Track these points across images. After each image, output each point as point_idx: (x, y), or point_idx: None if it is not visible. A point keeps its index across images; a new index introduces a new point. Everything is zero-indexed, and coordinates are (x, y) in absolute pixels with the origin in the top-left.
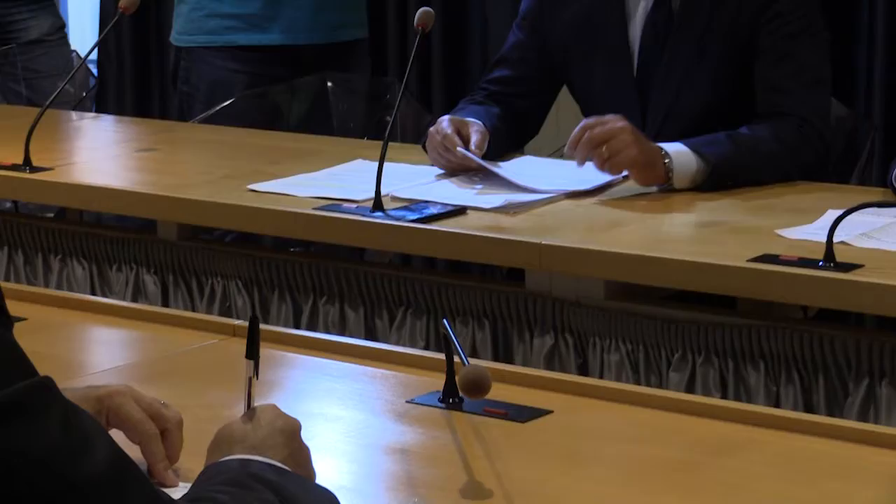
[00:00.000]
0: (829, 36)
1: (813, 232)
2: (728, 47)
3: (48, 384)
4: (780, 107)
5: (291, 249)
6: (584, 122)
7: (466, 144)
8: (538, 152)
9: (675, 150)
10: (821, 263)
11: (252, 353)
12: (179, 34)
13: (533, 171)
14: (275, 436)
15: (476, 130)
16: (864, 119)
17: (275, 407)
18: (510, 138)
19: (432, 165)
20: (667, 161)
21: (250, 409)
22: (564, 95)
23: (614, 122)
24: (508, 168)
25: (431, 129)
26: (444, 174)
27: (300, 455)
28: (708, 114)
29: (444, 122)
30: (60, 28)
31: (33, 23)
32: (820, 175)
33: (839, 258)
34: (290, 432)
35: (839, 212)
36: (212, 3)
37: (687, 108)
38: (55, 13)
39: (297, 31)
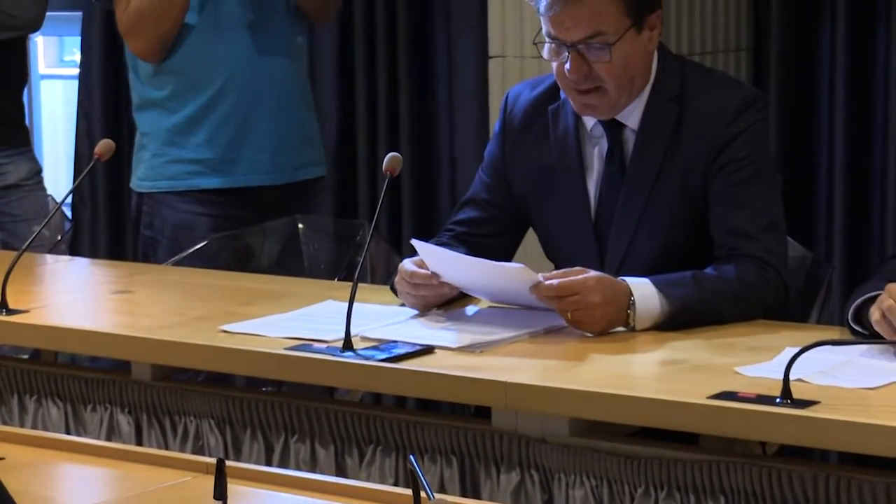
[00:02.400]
0: (781, 179)
1: (771, 369)
2: (681, 193)
3: None
4: (740, 250)
5: (263, 389)
6: (564, 283)
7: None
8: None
9: (642, 294)
10: (778, 400)
11: (220, 494)
12: (141, 180)
13: (494, 315)
14: None
15: None
16: (823, 260)
17: None
18: None
19: (401, 306)
20: (630, 312)
21: None
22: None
23: (588, 294)
24: (470, 314)
25: (396, 277)
26: (414, 315)
27: None
28: (664, 256)
29: (405, 263)
30: (37, 173)
31: (11, 168)
32: (779, 314)
33: (796, 395)
34: None
35: (797, 349)
36: (173, 149)
37: (643, 252)
38: (32, 158)
39: (257, 173)
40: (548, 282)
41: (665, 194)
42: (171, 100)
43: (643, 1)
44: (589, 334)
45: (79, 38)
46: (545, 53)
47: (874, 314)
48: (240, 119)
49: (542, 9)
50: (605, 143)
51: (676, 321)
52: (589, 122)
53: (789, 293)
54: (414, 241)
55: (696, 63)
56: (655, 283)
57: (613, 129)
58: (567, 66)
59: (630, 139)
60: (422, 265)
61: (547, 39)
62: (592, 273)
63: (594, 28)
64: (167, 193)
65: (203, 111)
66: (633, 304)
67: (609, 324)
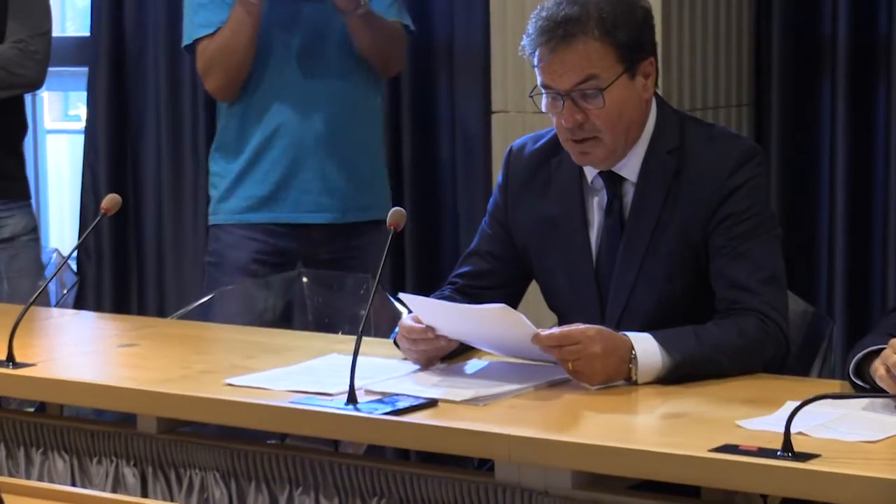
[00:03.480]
0: (781, 232)
1: (772, 423)
2: (681, 245)
3: None
4: (740, 303)
5: (268, 441)
6: (566, 332)
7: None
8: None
9: (643, 348)
10: (779, 453)
11: None
12: (210, 215)
13: (497, 369)
14: None
15: None
16: (824, 314)
17: None
18: None
19: (404, 360)
20: (632, 366)
21: None
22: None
23: (589, 344)
24: (473, 368)
25: (398, 333)
26: (418, 368)
27: None
28: (664, 308)
29: (404, 319)
30: (34, 229)
31: (10, 221)
32: (780, 368)
33: (797, 448)
34: None
35: (798, 403)
36: (233, 187)
37: (643, 303)
38: (30, 213)
39: (302, 211)
40: (547, 331)
41: (664, 246)
42: (236, 141)
43: (635, 47)
44: (589, 386)
45: (83, 93)
46: (543, 106)
47: (878, 370)
48: (288, 161)
49: (535, 60)
50: (605, 195)
51: (678, 375)
52: (590, 174)
53: (790, 347)
54: (402, 295)
55: (695, 117)
56: (657, 338)
57: (612, 181)
58: (563, 115)
59: (629, 191)
60: (419, 320)
61: (543, 91)
62: (594, 325)
63: (585, 73)
64: (223, 224)
65: (257, 153)
66: (635, 358)
67: (609, 376)
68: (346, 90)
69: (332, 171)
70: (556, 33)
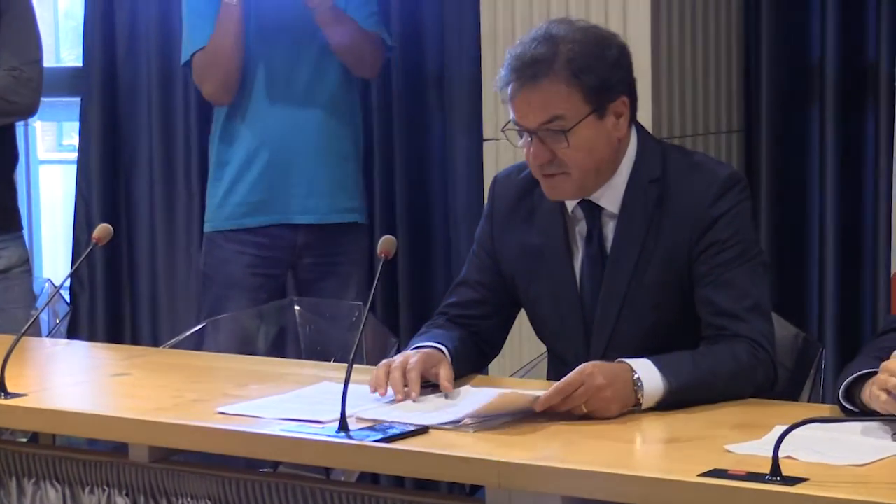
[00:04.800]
0: (766, 258)
1: (761, 447)
2: (666, 274)
3: None
4: (728, 330)
5: (260, 470)
6: (565, 381)
7: (435, 379)
8: (502, 370)
9: (645, 373)
10: (767, 477)
11: None
12: (206, 222)
13: (488, 396)
14: None
15: (441, 365)
16: (814, 339)
17: None
18: (472, 360)
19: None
20: (640, 396)
21: None
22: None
23: (592, 380)
24: (464, 395)
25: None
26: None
27: None
28: (650, 336)
29: (397, 359)
30: (26, 261)
31: (5, 253)
32: (769, 393)
33: (785, 472)
34: None
35: (786, 427)
36: (227, 195)
37: (629, 332)
38: (23, 245)
39: (291, 213)
40: (545, 394)
41: (649, 275)
42: (228, 147)
43: (603, 89)
44: (609, 417)
45: (76, 123)
46: (517, 140)
47: (880, 396)
48: (276, 168)
49: (507, 97)
50: (584, 225)
51: (675, 400)
52: (570, 203)
53: (778, 374)
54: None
55: (676, 146)
56: (656, 363)
57: (591, 211)
58: (531, 151)
59: (609, 222)
60: (417, 366)
61: (514, 126)
62: (586, 363)
63: (550, 113)
64: (217, 232)
65: (248, 161)
66: (640, 381)
67: (621, 404)
68: (324, 99)
69: (315, 175)
70: (525, 73)
